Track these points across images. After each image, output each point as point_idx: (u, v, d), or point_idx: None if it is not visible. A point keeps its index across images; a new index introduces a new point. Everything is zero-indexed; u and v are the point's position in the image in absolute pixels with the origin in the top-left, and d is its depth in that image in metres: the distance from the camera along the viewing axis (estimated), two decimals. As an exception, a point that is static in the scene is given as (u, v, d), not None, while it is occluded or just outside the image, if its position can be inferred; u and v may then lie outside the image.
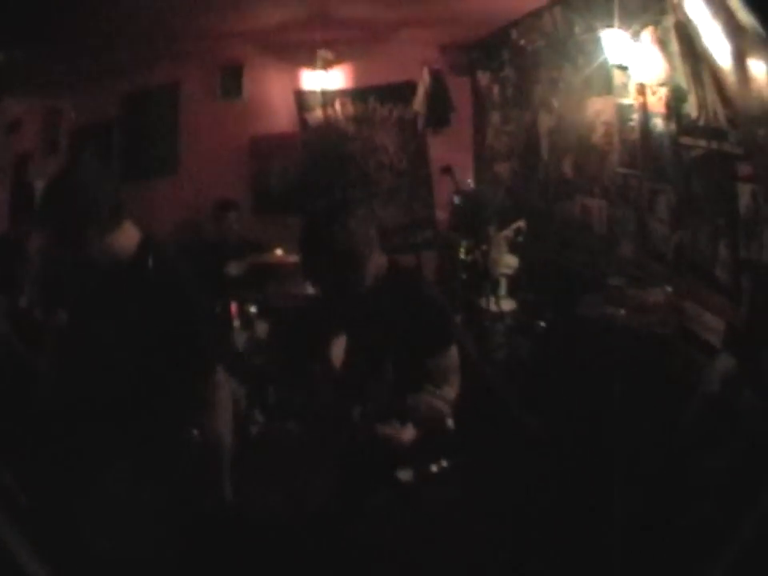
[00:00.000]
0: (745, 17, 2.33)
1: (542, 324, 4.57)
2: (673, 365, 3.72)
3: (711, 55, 2.89)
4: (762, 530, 2.00)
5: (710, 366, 3.51)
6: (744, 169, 3.34)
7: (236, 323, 4.40)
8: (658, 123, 4.04)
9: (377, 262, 2.99)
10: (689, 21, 3.20)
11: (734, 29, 2.53)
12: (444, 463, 3.01)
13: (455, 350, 3.04)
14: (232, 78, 5.97)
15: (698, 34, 2.98)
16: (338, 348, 3.21)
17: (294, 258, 4.54)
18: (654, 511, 3.16)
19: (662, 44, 3.81)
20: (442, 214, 6.25)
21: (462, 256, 5.12)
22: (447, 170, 5.40)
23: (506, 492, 3.25)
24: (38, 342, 3.50)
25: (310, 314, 3.79)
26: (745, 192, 3.35)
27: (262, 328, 4.42)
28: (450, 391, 2.98)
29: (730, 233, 3.54)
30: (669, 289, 4.01)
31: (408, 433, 2.95)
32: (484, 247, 4.87)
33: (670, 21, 3.70)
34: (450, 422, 2.93)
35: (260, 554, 2.88)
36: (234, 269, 5.12)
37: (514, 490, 3.29)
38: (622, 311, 3.98)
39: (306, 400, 3.31)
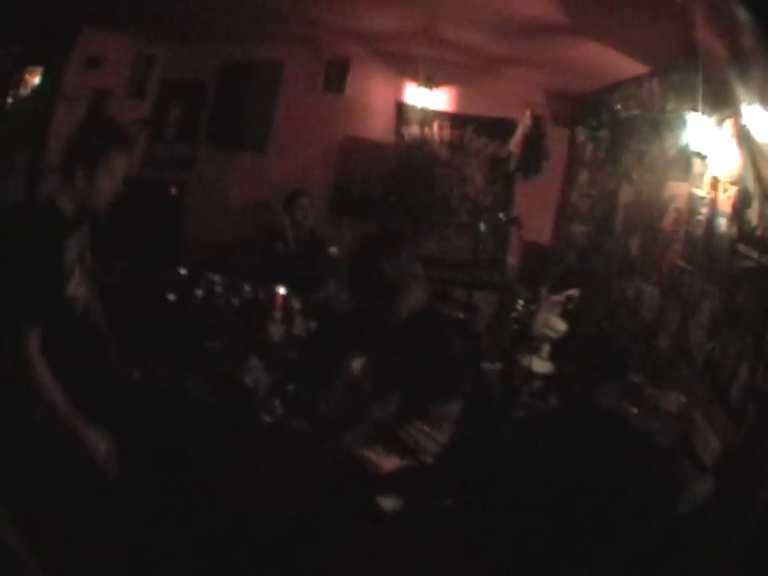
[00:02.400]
0: None
1: (554, 401, 4.16)
2: (662, 475, 3.27)
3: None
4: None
5: (695, 486, 3.12)
6: None
7: (277, 314, 4.13)
8: (722, 223, 3.55)
9: (416, 297, 2.94)
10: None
11: None
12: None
13: (458, 406, 2.94)
14: (337, 73, 5.61)
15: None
16: (357, 366, 3.13)
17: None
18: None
19: (740, 140, 3.32)
20: (513, 260, 5.87)
21: (516, 307, 4.86)
22: (515, 221, 5.12)
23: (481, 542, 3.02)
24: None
25: (345, 326, 3.69)
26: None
27: (300, 324, 4.16)
28: (440, 437, 2.92)
29: (755, 355, 3.10)
30: (683, 398, 3.57)
31: (389, 463, 2.89)
32: (533, 306, 4.61)
33: (745, 119, 3.17)
34: (429, 460, 2.90)
35: (234, 540, 2.68)
36: (291, 259, 4.98)
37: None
38: (635, 410, 3.66)
39: (319, 404, 3.20)
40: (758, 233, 3.13)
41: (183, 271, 4.24)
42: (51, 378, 2.47)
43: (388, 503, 2.85)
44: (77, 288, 2.71)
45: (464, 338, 3.37)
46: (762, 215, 3.10)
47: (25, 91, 4.70)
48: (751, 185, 3.21)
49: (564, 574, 2.96)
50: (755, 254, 3.15)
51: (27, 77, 4.75)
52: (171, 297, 4.07)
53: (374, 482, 2.88)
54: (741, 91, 3.03)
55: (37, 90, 4.70)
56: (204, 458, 2.83)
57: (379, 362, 3.06)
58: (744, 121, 3.07)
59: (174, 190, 5.17)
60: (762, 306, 3.05)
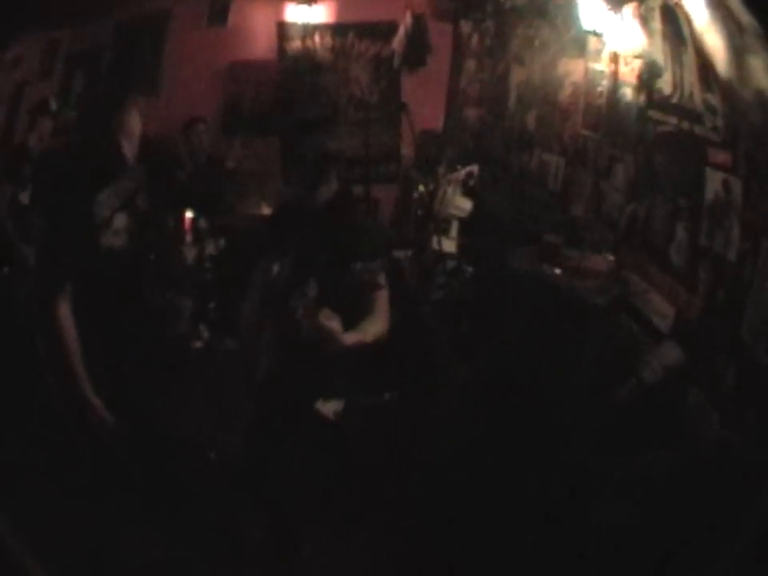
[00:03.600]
0: (743, 13, 2.23)
1: (470, 270, 4.13)
2: (607, 338, 3.39)
3: (700, 41, 2.61)
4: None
5: (653, 351, 3.20)
6: (719, 156, 2.99)
7: (187, 237, 4.09)
8: (627, 93, 3.67)
9: (330, 185, 3.02)
10: (679, 5, 2.90)
11: (731, 22, 2.29)
12: (375, 397, 3.04)
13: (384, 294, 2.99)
14: (219, 8, 5.48)
15: (688, 18, 2.69)
16: (276, 268, 3.11)
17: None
18: (566, 503, 2.92)
19: (644, 20, 3.42)
20: (407, 150, 5.92)
21: (417, 192, 4.86)
22: (403, 107, 5.13)
23: (431, 434, 3.12)
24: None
25: (255, 234, 3.69)
26: (715, 179, 2.99)
27: (212, 243, 4.10)
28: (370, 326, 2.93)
29: (690, 216, 3.20)
30: (611, 257, 3.64)
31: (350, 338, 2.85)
32: (431, 186, 4.63)
33: (656, 1, 3.28)
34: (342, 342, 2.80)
35: (176, 472, 2.75)
36: (191, 182, 4.87)
37: (440, 433, 3.15)
38: (557, 271, 3.66)
39: (242, 316, 3.19)
40: (674, 101, 3.24)
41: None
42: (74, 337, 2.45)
43: (329, 407, 2.92)
44: (114, 237, 2.67)
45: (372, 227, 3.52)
46: (676, 85, 3.21)
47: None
48: (661, 58, 3.29)
49: (521, 462, 2.95)
50: (673, 120, 3.27)
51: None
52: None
53: (312, 388, 2.94)
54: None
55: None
56: (142, 397, 2.89)
57: (294, 253, 3.07)
58: (655, 5, 3.21)
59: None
60: (688, 168, 3.18)
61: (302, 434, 2.90)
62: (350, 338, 2.86)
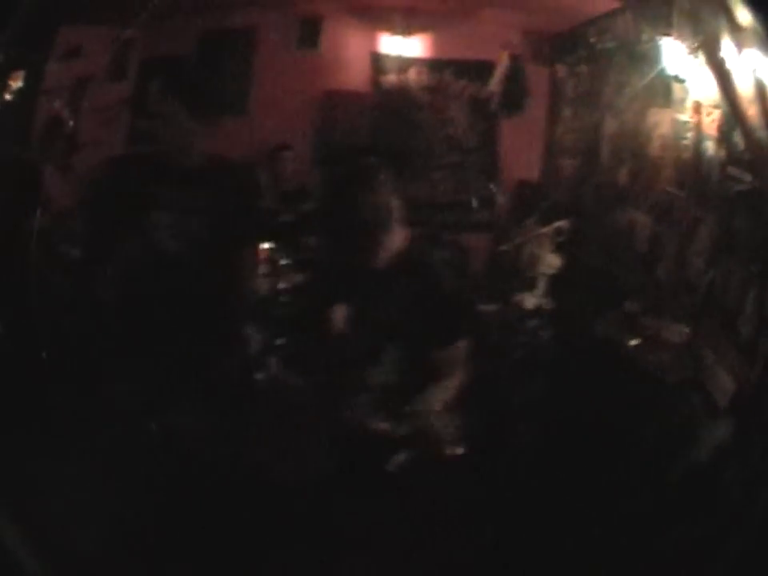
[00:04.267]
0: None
1: (553, 331, 3.96)
2: (671, 415, 3.18)
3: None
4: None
5: (709, 429, 3.06)
6: None
7: (263, 269, 3.99)
8: (710, 147, 3.44)
9: (398, 237, 2.85)
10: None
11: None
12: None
13: (463, 344, 2.90)
14: (310, 31, 5.43)
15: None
16: (340, 316, 2.93)
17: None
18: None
19: (713, 66, 3.31)
20: (502, 199, 5.71)
21: (504, 246, 4.65)
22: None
23: (491, 494, 2.98)
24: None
25: (326, 276, 3.37)
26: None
27: (287, 278, 4.02)
28: (452, 384, 2.83)
29: (760, 283, 3.08)
30: (687, 329, 3.39)
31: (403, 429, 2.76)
32: (517, 240, 4.35)
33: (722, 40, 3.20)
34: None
35: (243, 510, 2.68)
36: (275, 214, 4.78)
37: (500, 492, 3.00)
38: (634, 341, 3.44)
39: (311, 356, 3.00)
40: (746, 156, 3.09)
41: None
42: None
43: (393, 461, 2.79)
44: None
45: (456, 278, 3.27)
46: (748, 136, 3.03)
47: (10, 96, 4.64)
48: (729, 109, 3.18)
49: (574, 532, 2.86)
50: (748, 177, 3.10)
51: (11, 83, 4.69)
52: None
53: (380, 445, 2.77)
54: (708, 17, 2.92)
55: (21, 91, 4.64)
56: (205, 430, 2.76)
57: (366, 314, 2.91)
58: (714, 46, 2.96)
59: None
60: (761, 230, 2.90)
61: (367, 487, 2.82)
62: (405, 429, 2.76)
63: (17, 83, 4.65)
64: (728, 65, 3.04)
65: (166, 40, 5.16)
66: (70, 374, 2.78)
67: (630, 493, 2.95)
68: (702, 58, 3.38)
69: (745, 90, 2.73)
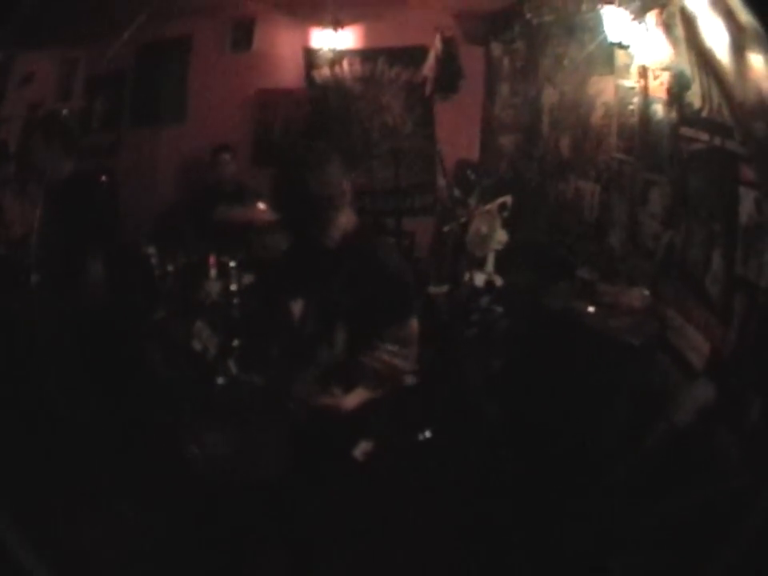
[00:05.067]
0: (743, 13, 2.11)
1: (504, 306, 3.94)
2: (641, 379, 3.11)
3: (711, 47, 2.37)
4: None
5: (687, 390, 2.96)
6: (747, 172, 2.69)
7: (212, 272, 3.92)
8: (659, 110, 3.36)
9: (346, 218, 2.87)
10: (691, 10, 2.71)
11: (731, 22, 2.22)
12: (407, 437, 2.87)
13: (414, 322, 2.86)
14: (243, 33, 5.36)
15: (699, 24, 2.52)
16: (297, 308, 2.97)
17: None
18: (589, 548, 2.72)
19: (667, 27, 3.13)
20: (442, 181, 5.70)
21: (449, 226, 4.62)
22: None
23: (461, 472, 2.97)
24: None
25: (276, 269, 3.48)
26: (748, 198, 2.68)
27: (236, 279, 3.91)
28: (409, 356, 2.84)
29: (726, 241, 2.90)
30: (646, 292, 3.36)
31: (352, 399, 2.77)
32: (462, 219, 4.37)
33: (676, 6, 3.02)
34: (409, 379, 2.81)
35: (209, 513, 2.61)
36: (219, 215, 4.69)
37: (469, 471, 2.99)
38: (591, 308, 3.43)
39: (268, 354, 3.03)
40: (704, 114, 2.95)
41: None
42: None
43: (358, 449, 2.76)
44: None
45: (402, 261, 3.32)
46: (704, 97, 2.93)
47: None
48: (688, 68, 3.01)
49: (552, 508, 2.81)
50: (705, 136, 2.96)
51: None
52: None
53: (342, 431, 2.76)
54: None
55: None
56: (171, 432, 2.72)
57: (318, 299, 2.91)
58: (675, 10, 2.94)
59: (103, 178, 4.97)
60: (722, 188, 2.89)
61: (332, 474, 2.75)
62: (352, 401, 2.76)
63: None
64: (681, 26, 2.90)
65: (107, 58, 5.07)
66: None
67: (610, 460, 2.86)
68: (648, 21, 3.27)
69: (713, 45, 2.68)
